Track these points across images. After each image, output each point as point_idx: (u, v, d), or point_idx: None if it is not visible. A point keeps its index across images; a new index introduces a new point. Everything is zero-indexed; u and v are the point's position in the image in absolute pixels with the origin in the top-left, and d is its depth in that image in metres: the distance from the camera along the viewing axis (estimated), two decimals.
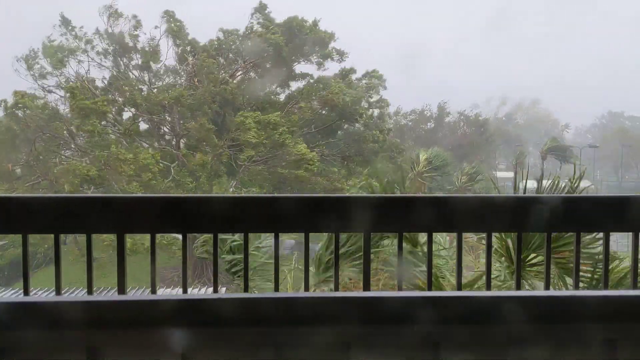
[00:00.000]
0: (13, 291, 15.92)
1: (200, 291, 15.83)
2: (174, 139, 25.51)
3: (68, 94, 23.97)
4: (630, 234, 2.83)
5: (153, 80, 26.51)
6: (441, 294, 2.91)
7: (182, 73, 26.65)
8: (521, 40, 52.08)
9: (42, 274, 15.31)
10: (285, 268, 8.72)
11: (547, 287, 3.01)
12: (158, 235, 3.18)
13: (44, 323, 1.36)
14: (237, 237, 7.01)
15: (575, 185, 6.36)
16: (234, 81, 26.35)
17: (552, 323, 1.42)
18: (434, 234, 3.64)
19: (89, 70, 25.60)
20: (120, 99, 25.63)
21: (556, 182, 6.54)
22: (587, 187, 6.87)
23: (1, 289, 17.29)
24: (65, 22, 25.55)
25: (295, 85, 28.10)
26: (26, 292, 2.78)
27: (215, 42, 27.04)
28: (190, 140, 24.76)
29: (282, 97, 27.64)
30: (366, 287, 2.88)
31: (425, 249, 4.81)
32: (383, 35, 52.68)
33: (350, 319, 1.40)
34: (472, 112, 38.73)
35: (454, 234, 3.36)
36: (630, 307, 1.45)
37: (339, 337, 1.39)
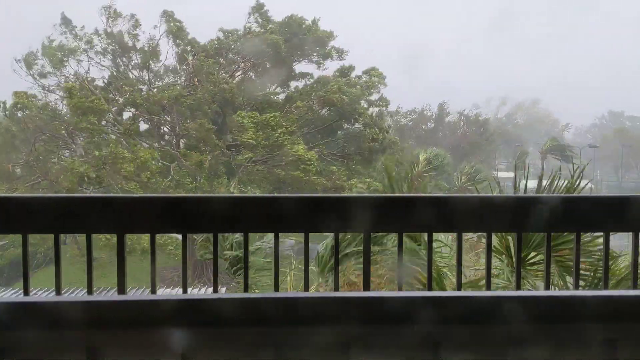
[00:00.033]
0: (13, 291, 15.92)
1: (200, 291, 15.83)
2: (174, 139, 25.52)
3: (65, 94, 23.98)
4: (630, 234, 2.83)
5: (153, 80, 26.51)
6: (441, 294, 2.91)
7: (182, 73, 26.65)
8: (523, 40, 52.13)
9: (42, 274, 15.30)
10: (286, 268, 8.74)
11: (547, 287, 3.01)
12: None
13: (44, 323, 1.36)
14: (238, 235, 7.02)
15: (576, 183, 6.36)
16: (234, 81, 26.36)
17: (552, 323, 1.42)
18: (437, 233, 3.64)
19: (88, 70, 25.63)
20: (120, 99, 25.64)
21: (556, 181, 6.54)
22: (585, 185, 6.87)
23: (1, 289, 17.29)
24: (66, 21, 25.55)
25: (295, 85, 28.13)
26: (26, 292, 2.77)
27: (215, 42, 27.04)
28: (190, 140, 24.76)
29: (282, 97, 27.65)
30: (366, 287, 2.88)
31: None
32: (385, 35, 52.75)
33: (350, 319, 1.40)
34: (473, 112, 38.76)
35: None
36: (630, 307, 1.45)
37: (339, 337, 1.40)
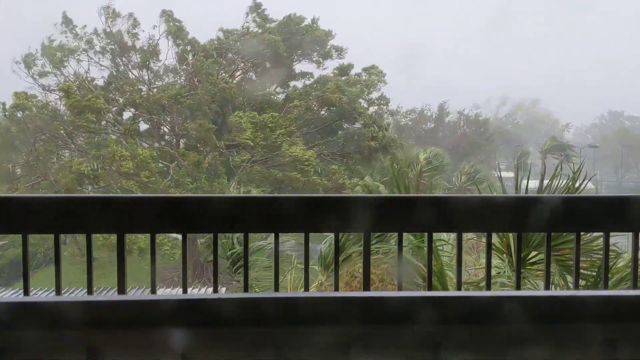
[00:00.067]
0: (13, 291, 15.92)
1: (200, 291, 15.83)
2: (174, 139, 25.51)
3: (62, 93, 23.98)
4: (630, 234, 2.83)
5: (152, 80, 26.50)
6: (441, 294, 2.91)
7: (182, 73, 26.64)
8: (521, 40, 52.16)
9: (42, 274, 15.30)
10: (288, 267, 8.75)
11: (547, 287, 3.01)
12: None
13: (44, 323, 1.36)
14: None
15: (576, 182, 6.36)
16: (234, 81, 26.35)
17: (552, 323, 1.42)
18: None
19: (88, 69, 25.62)
20: (120, 99, 25.63)
21: (556, 181, 6.54)
22: (587, 183, 6.87)
23: (1, 289, 17.29)
24: (67, 21, 25.54)
25: (295, 85, 28.11)
26: (26, 292, 2.77)
27: (215, 42, 27.02)
28: (190, 140, 24.75)
29: (282, 96, 27.63)
30: (366, 287, 2.88)
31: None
32: (383, 35, 52.78)
33: (350, 319, 1.40)
34: (472, 112, 38.77)
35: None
36: (630, 307, 1.45)
37: (339, 337, 1.39)
